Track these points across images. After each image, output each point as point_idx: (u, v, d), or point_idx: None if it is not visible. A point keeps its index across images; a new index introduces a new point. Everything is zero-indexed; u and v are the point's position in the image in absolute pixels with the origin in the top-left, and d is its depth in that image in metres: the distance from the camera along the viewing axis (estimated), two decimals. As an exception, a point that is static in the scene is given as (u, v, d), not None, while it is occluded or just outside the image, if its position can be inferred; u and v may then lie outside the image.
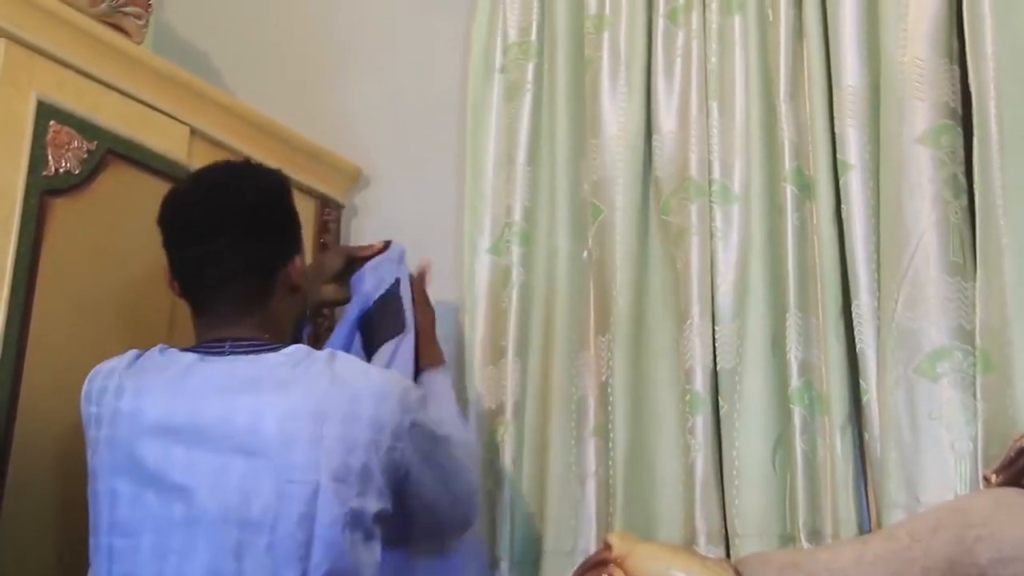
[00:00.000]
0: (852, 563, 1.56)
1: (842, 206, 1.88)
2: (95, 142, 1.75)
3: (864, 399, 1.80)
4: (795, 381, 1.86)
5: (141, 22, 1.98)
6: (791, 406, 1.86)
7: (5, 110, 1.62)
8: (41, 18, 1.69)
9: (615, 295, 2.01)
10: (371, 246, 1.85)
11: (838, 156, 1.89)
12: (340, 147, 2.34)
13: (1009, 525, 1.50)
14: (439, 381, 1.76)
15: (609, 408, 1.96)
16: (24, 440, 1.57)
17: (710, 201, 2.00)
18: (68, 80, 1.74)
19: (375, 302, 1.79)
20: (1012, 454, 1.58)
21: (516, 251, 2.13)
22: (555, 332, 2.06)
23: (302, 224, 1.62)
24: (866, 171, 1.86)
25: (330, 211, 2.32)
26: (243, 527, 1.34)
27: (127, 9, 1.94)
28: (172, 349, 1.49)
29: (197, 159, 1.92)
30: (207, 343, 1.48)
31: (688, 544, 1.85)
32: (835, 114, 1.91)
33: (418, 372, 1.75)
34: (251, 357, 1.45)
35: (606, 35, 2.14)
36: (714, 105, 2.04)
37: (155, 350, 1.50)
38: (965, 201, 1.79)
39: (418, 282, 1.87)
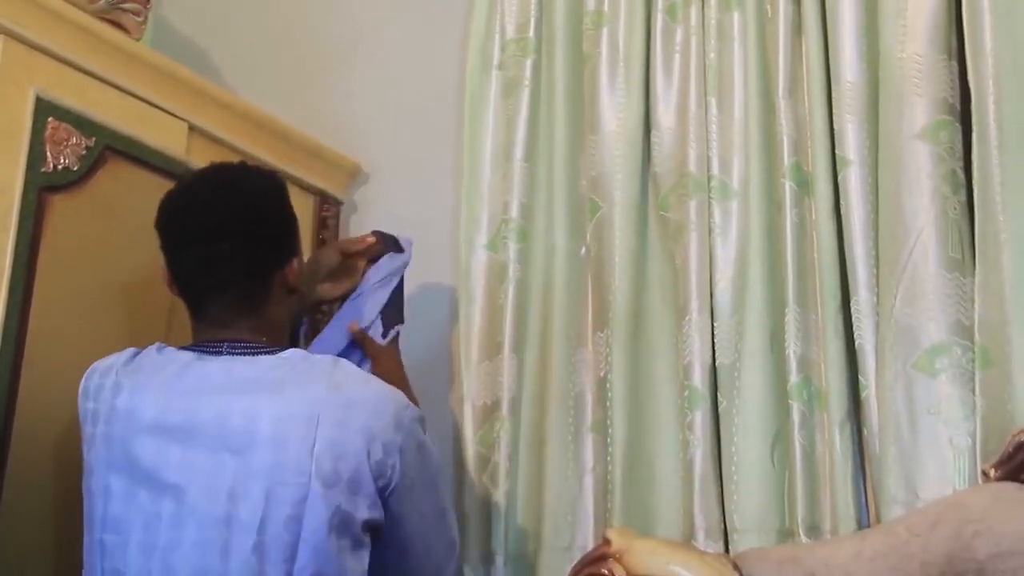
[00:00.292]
0: (851, 558, 1.56)
1: (841, 202, 1.88)
2: (93, 138, 1.75)
3: (863, 395, 1.80)
4: (794, 377, 1.87)
5: (139, 18, 1.98)
6: (790, 402, 1.86)
7: (3, 107, 1.62)
8: (40, 15, 1.69)
9: (613, 291, 2.01)
10: (363, 239, 1.85)
11: (837, 152, 1.89)
12: (339, 143, 2.35)
13: (1007, 520, 1.50)
14: None
15: (607, 404, 1.96)
16: (23, 434, 1.57)
17: (709, 197, 2.00)
18: (67, 76, 1.73)
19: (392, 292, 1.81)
20: (1011, 449, 1.58)
21: (513, 247, 2.13)
22: (553, 328, 2.06)
23: (300, 221, 1.62)
24: (865, 167, 1.86)
25: (329, 207, 2.32)
26: (231, 527, 1.35)
27: (125, 6, 1.94)
28: (169, 348, 1.50)
29: (195, 155, 1.92)
30: (204, 343, 1.48)
31: (687, 540, 1.85)
32: (834, 110, 1.91)
33: None
34: (248, 358, 1.45)
35: (605, 31, 2.14)
36: (713, 101, 2.04)
37: (152, 348, 1.50)
38: (964, 197, 1.79)
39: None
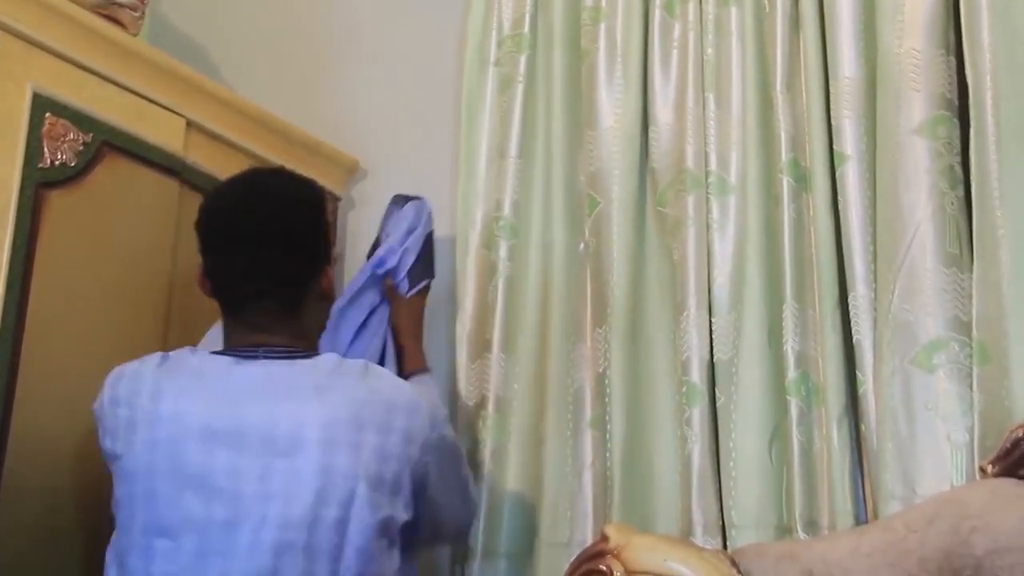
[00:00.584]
0: (848, 554, 1.55)
1: (839, 197, 1.88)
2: (91, 134, 1.75)
3: (860, 390, 1.80)
4: (792, 372, 1.87)
5: (137, 14, 1.98)
6: (788, 397, 1.86)
7: (1, 102, 1.62)
8: (37, 10, 1.69)
9: (612, 287, 2.01)
10: None
11: (834, 147, 1.89)
12: (337, 139, 2.34)
13: (1005, 516, 1.50)
14: (425, 385, 1.77)
15: (606, 400, 1.96)
16: (21, 430, 1.56)
17: (706, 192, 2.00)
18: (64, 72, 1.73)
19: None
20: (1008, 445, 1.58)
21: (504, 245, 2.13)
22: (551, 324, 2.07)
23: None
24: (862, 162, 1.86)
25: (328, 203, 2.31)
26: (283, 528, 1.37)
27: (122, 1, 1.94)
28: (202, 351, 1.52)
29: (193, 151, 1.92)
30: (239, 347, 1.50)
31: (685, 535, 1.85)
32: (831, 105, 1.91)
33: (402, 375, 1.77)
34: (287, 363, 1.48)
35: (602, 27, 2.14)
36: (710, 96, 2.04)
37: (186, 351, 1.52)
38: (961, 192, 1.79)
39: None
